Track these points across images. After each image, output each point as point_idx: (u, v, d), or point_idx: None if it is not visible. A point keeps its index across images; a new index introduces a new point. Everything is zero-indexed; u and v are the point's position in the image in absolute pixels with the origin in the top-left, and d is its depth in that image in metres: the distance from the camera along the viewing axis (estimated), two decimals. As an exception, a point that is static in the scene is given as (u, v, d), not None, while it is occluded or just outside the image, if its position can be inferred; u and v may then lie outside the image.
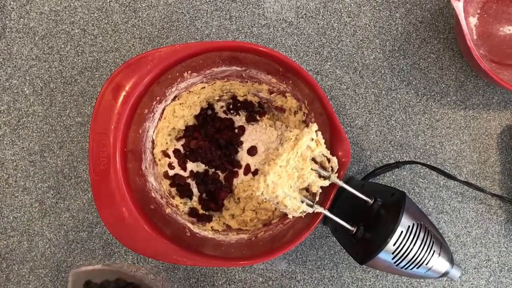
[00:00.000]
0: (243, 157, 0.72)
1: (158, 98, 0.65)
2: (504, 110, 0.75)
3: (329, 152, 0.60)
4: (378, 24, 0.75)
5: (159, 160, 0.70)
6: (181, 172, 0.71)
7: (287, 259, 0.73)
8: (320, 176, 0.59)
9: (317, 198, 0.60)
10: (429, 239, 0.56)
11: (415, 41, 0.75)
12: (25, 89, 0.73)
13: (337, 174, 0.59)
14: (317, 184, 0.59)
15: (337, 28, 0.74)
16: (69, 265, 0.72)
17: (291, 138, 0.59)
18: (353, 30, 0.74)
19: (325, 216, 0.58)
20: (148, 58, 0.59)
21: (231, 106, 0.72)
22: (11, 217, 0.72)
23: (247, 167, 0.72)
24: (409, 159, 0.74)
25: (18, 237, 0.72)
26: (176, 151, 0.71)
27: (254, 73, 0.66)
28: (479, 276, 0.74)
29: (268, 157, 0.60)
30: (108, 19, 0.73)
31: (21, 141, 0.72)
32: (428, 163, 0.74)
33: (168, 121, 0.69)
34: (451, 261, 0.59)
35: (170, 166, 0.71)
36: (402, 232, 0.54)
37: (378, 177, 0.74)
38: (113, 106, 0.59)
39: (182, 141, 0.71)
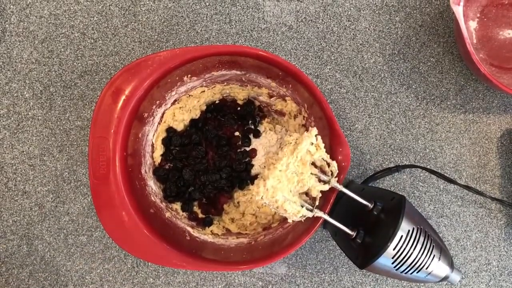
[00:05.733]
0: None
1: (158, 102, 0.65)
2: (504, 114, 0.75)
3: (328, 156, 0.60)
4: (377, 28, 0.75)
5: (159, 163, 0.70)
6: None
7: (287, 263, 0.73)
8: (320, 180, 0.59)
9: (316, 203, 0.60)
10: (429, 243, 0.56)
11: (414, 45, 0.75)
12: (25, 92, 0.73)
13: (337, 178, 0.59)
14: (317, 188, 0.59)
15: (336, 32, 0.74)
16: (68, 269, 0.72)
17: (290, 142, 0.59)
18: (353, 34, 0.74)
19: (325, 220, 0.58)
20: (148, 62, 0.59)
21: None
22: (11, 221, 0.72)
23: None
24: (409, 163, 0.74)
25: (18, 241, 0.72)
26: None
27: (253, 77, 0.66)
28: (479, 280, 0.74)
29: (267, 161, 0.59)
30: (108, 23, 0.73)
31: (20, 145, 0.72)
32: (428, 167, 0.73)
33: (168, 125, 0.69)
34: (451, 265, 0.59)
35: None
36: (402, 236, 0.54)
37: (378, 181, 0.74)
38: (113, 110, 0.59)
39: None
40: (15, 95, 0.73)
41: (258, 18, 0.74)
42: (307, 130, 0.67)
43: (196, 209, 0.71)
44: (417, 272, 0.56)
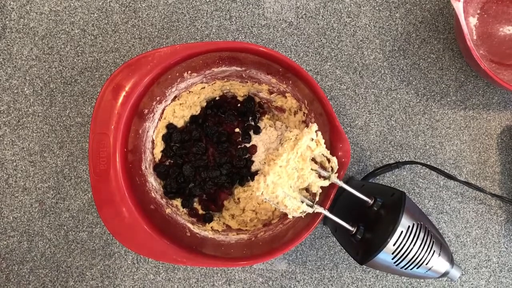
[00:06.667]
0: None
1: (158, 98, 0.65)
2: (504, 110, 0.75)
3: (329, 152, 0.60)
4: (378, 24, 0.75)
5: (159, 160, 0.70)
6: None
7: (287, 259, 0.73)
8: (320, 176, 0.59)
9: (317, 198, 0.60)
10: (429, 239, 0.56)
11: (415, 41, 0.75)
12: (25, 89, 0.73)
13: (337, 174, 0.59)
14: (317, 184, 0.59)
15: (337, 28, 0.74)
16: (69, 265, 0.72)
17: (291, 138, 0.59)
18: (353, 30, 0.74)
19: (325, 216, 0.58)
20: (148, 58, 0.59)
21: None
22: (11, 217, 0.72)
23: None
24: (409, 159, 0.74)
25: (18, 237, 0.72)
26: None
27: (254, 73, 0.66)
28: (479, 276, 0.74)
29: (268, 157, 0.59)
30: (108, 19, 0.73)
31: (21, 141, 0.72)
32: (428, 163, 0.74)
33: (168, 121, 0.69)
34: (451, 261, 0.59)
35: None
36: (402, 232, 0.54)
37: (378, 177, 0.74)
38: (113, 106, 0.59)
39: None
40: (15, 91, 0.73)
41: (258, 14, 0.74)
42: (307, 126, 0.67)
43: (196, 205, 0.71)
44: (417, 268, 0.56)
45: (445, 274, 0.59)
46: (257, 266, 0.73)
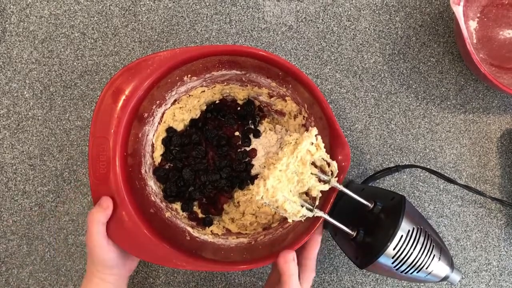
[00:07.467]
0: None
1: (158, 102, 0.65)
2: (504, 114, 0.75)
3: (329, 156, 0.60)
4: (378, 27, 0.75)
5: (159, 163, 0.70)
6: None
7: (287, 263, 0.73)
8: (320, 180, 0.59)
9: (316, 202, 0.60)
10: (429, 243, 0.56)
11: (415, 45, 0.75)
12: (25, 92, 0.73)
13: (337, 178, 0.59)
14: (317, 188, 0.59)
15: (337, 32, 0.74)
16: (68, 269, 0.72)
17: (290, 142, 0.59)
18: (353, 34, 0.74)
19: (325, 220, 0.58)
20: (148, 62, 0.59)
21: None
22: (11, 221, 0.72)
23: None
24: (409, 163, 0.74)
25: (18, 241, 0.72)
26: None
27: (254, 77, 0.66)
28: (479, 280, 0.74)
29: (267, 161, 0.59)
30: (108, 23, 0.73)
31: (20, 145, 0.72)
32: (428, 167, 0.73)
33: (168, 125, 0.69)
34: (451, 265, 0.59)
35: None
36: (402, 236, 0.54)
37: (378, 181, 0.74)
38: (113, 110, 0.59)
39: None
40: (15, 95, 0.73)
41: (258, 18, 0.74)
42: (307, 130, 0.67)
43: (196, 209, 0.71)
44: (417, 272, 0.56)
45: (445, 278, 0.59)
46: (257, 269, 0.73)
